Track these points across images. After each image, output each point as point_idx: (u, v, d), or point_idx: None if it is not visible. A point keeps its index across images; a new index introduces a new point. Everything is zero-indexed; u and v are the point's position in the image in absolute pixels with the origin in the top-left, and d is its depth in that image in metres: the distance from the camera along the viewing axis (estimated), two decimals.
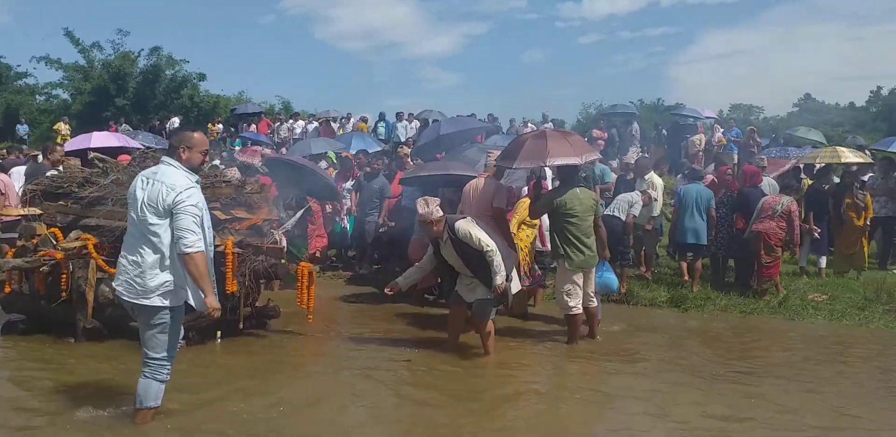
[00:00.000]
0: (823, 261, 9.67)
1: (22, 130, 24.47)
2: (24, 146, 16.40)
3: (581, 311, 6.50)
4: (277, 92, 73.35)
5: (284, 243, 6.92)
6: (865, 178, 10.76)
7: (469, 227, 5.78)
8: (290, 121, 21.67)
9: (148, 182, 3.97)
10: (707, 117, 20.18)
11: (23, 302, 6.31)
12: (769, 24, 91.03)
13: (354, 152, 11.92)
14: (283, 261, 6.57)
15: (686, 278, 9.01)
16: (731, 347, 6.74)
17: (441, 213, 5.82)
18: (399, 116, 20.28)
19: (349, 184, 10.35)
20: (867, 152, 12.41)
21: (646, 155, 12.97)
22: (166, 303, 3.97)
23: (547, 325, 7.32)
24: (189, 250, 3.85)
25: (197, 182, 4.06)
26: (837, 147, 11.65)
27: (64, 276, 5.92)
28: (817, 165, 11.27)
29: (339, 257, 10.72)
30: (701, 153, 15.99)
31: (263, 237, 6.55)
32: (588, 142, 10.66)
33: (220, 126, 22.60)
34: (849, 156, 10.85)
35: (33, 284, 6.16)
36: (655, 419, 4.67)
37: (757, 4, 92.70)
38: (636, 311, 8.12)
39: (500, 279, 5.73)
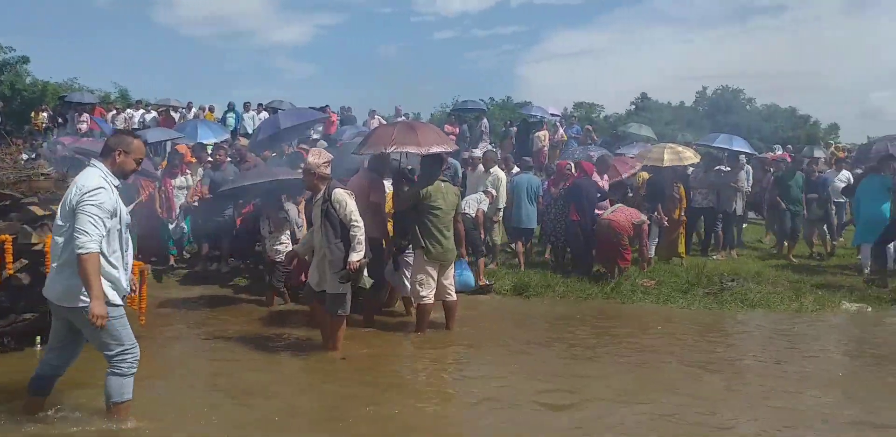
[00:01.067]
0: (652, 250, 10.38)
1: None
2: None
3: (432, 300, 6.61)
4: (114, 79, 68.41)
5: None
6: (689, 171, 11.62)
7: (347, 198, 5.77)
8: (129, 110, 20.31)
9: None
10: (552, 115, 21.09)
11: None
12: (610, 25, 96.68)
13: (192, 144, 11.42)
14: None
15: (521, 260, 9.84)
16: (568, 330, 7.09)
17: (328, 173, 5.83)
18: (246, 107, 19.59)
19: (179, 180, 9.84)
20: (694, 147, 13.44)
21: (494, 149, 13.42)
22: (87, 302, 3.87)
23: (402, 316, 7.40)
24: (80, 251, 3.76)
25: (116, 187, 4.01)
26: (676, 147, 12.45)
27: None
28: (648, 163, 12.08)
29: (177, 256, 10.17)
30: (545, 149, 16.72)
31: None
32: None
33: (45, 115, 20.74)
34: (690, 157, 11.65)
35: None
36: (501, 403, 4.84)
37: (598, 7, 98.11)
38: (482, 300, 8.34)
39: (356, 256, 5.71)
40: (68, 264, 3.89)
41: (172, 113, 19.06)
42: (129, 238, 4.15)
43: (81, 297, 3.88)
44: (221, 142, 12.95)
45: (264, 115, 19.10)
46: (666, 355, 6.21)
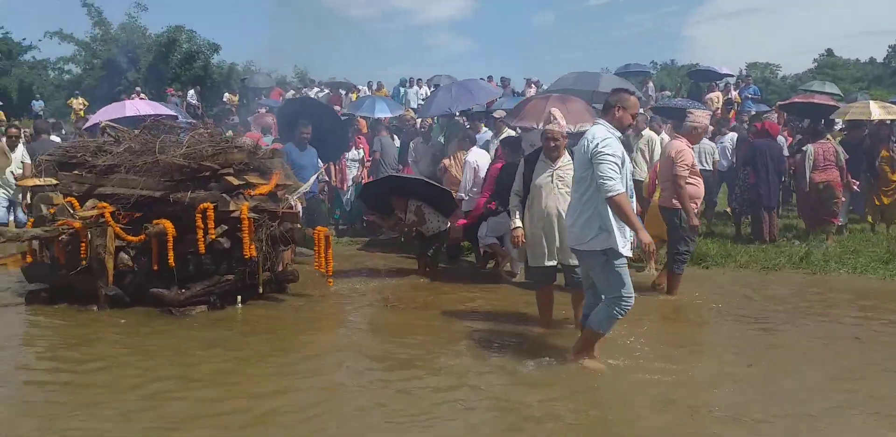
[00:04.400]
0: (845, 217, 9.52)
1: (37, 105, 24.53)
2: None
3: None
4: (289, 61, 72.22)
5: (300, 208, 6.89)
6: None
7: None
8: (304, 89, 21.50)
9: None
10: (725, 75, 19.77)
11: (44, 271, 6.35)
12: None
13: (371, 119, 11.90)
14: (298, 225, 6.55)
15: None
16: (754, 300, 6.66)
17: None
18: (410, 82, 20.13)
19: (353, 153, 10.27)
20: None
21: (643, 112, 12.85)
22: (599, 247, 4.34)
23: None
24: (610, 194, 4.19)
25: (619, 138, 4.43)
26: (871, 102, 11.22)
27: (83, 244, 5.95)
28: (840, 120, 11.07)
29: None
30: (719, 111, 15.74)
31: (278, 202, 6.53)
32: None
33: (236, 97, 22.47)
34: (877, 111, 10.48)
35: (53, 253, 6.19)
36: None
37: None
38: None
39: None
40: (584, 210, 4.37)
41: (341, 91, 19.95)
42: (632, 186, 4.51)
43: (590, 242, 4.35)
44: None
45: (425, 90, 19.58)
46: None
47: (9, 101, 25.96)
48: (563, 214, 5.08)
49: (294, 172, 7.48)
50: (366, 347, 5.29)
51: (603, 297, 4.47)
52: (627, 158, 4.45)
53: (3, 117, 17.50)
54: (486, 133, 10.05)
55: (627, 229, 4.34)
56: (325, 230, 6.50)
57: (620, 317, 4.41)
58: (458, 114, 11.40)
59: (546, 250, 5.31)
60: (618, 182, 4.20)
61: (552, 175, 5.28)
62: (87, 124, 10.92)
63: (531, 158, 5.47)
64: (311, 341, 5.54)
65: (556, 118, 5.26)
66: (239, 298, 6.22)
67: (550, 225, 5.26)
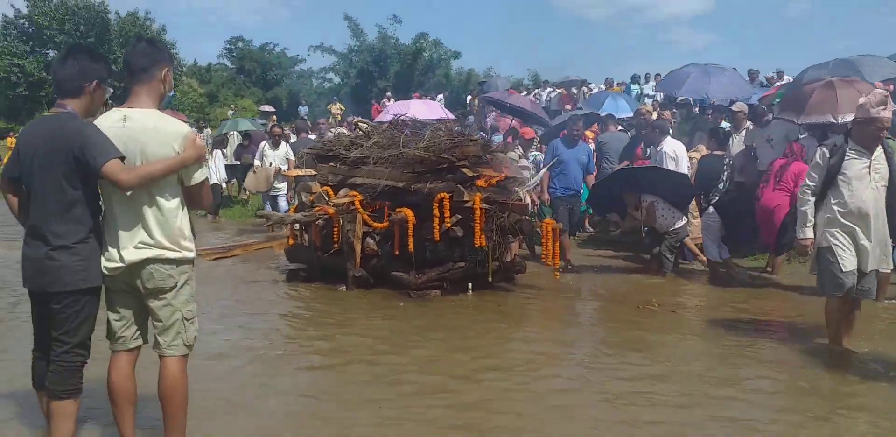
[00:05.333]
0: None
1: (303, 110, 27.58)
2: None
3: None
4: (525, 64, 73.90)
5: (528, 201, 7.02)
6: None
7: None
8: (537, 90, 21.80)
9: None
10: None
11: (303, 253, 7.14)
12: None
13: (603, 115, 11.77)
14: (527, 217, 6.68)
15: None
16: None
17: None
18: (646, 78, 19.59)
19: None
20: None
21: None
22: None
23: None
24: None
25: None
26: None
27: (335, 229, 6.60)
28: None
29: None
30: None
31: (508, 195, 6.71)
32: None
33: (477, 100, 23.48)
34: None
35: (310, 236, 6.93)
36: None
37: None
38: None
39: None
40: None
41: (573, 89, 19.94)
42: None
43: None
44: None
45: None
46: None
47: (280, 107, 29.42)
48: (879, 212, 4.58)
49: (557, 167, 7.88)
50: (599, 343, 5.26)
51: None
52: None
53: (275, 120, 19.93)
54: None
55: None
56: (553, 223, 6.56)
57: None
58: (696, 109, 10.88)
59: (854, 254, 4.63)
60: None
61: (869, 166, 4.61)
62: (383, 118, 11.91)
63: (836, 148, 4.70)
64: (539, 332, 5.61)
65: (891, 103, 4.58)
66: (469, 285, 6.51)
67: (865, 223, 4.60)
